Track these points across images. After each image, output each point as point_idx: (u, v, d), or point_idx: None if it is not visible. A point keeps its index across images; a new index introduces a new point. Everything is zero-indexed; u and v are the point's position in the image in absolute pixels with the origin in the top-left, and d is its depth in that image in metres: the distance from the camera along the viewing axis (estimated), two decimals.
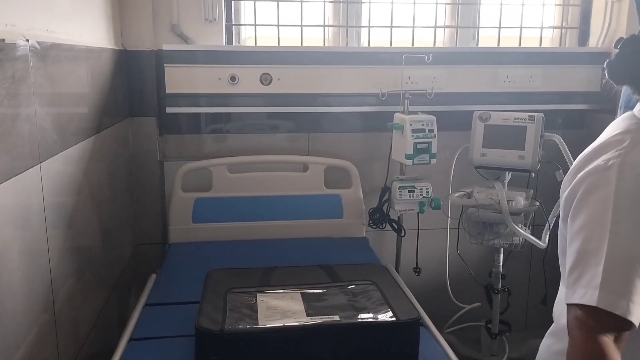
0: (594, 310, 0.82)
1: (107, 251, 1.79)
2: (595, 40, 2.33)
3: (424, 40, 2.34)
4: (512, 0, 2.33)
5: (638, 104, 0.99)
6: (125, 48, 2.04)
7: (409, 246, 2.22)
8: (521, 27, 2.35)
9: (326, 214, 2.15)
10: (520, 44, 2.37)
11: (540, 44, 2.39)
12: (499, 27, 2.34)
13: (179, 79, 2.08)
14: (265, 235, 2.09)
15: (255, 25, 2.24)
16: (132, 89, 2.08)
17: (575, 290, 0.86)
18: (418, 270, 2.21)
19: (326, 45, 2.30)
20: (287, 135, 2.24)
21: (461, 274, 2.28)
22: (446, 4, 2.33)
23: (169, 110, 2.11)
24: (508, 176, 2.07)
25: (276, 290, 1.38)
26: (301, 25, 2.24)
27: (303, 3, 2.22)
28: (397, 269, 2.22)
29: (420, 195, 2.06)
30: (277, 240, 2.06)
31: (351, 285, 1.43)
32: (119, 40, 2.01)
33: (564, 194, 0.98)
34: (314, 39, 2.29)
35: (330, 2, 2.28)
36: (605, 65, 1.00)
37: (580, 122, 2.37)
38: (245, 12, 2.27)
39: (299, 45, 2.25)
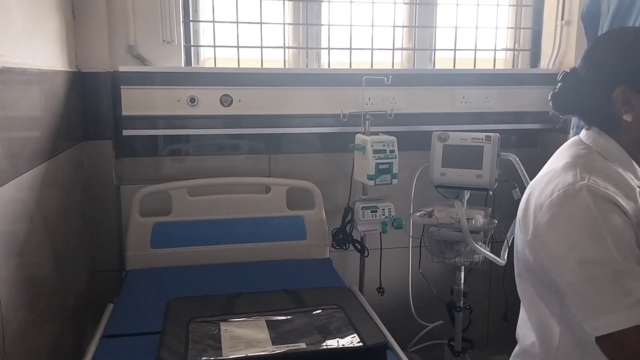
0: (637, 328, 0.84)
1: (61, 280, 1.72)
2: (546, 62, 2.42)
3: (383, 61, 2.37)
4: (466, 23, 2.40)
5: (583, 130, 1.04)
6: (80, 70, 1.98)
7: (372, 266, 2.23)
8: (475, 50, 2.42)
9: (289, 235, 2.13)
10: (475, 66, 2.44)
11: (494, 66, 2.46)
12: (454, 50, 2.41)
13: (136, 101, 2.03)
14: (227, 259, 2.05)
15: (214, 46, 2.23)
16: (87, 112, 2.02)
17: (605, 317, 0.86)
18: (382, 290, 2.21)
19: (286, 66, 2.30)
20: (249, 157, 2.22)
21: (424, 293, 2.30)
22: (403, 26, 2.38)
23: (126, 132, 2.05)
24: (467, 195, 2.12)
25: (240, 319, 1.35)
26: (261, 47, 2.24)
27: (263, 25, 2.23)
28: (361, 289, 2.22)
29: (383, 215, 2.08)
30: (239, 264, 2.02)
31: (317, 310, 1.42)
32: (73, 62, 1.95)
33: (527, 222, 1.00)
34: (275, 60, 2.29)
35: (289, 24, 2.28)
36: (549, 98, 1.05)
37: (534, 140, 2.45)
38: (205, 34, 2.25)
39: (260, 66, 2.25)
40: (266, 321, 1.34)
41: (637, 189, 0.97)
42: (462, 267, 2.14)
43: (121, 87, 2.01)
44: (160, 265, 2.00)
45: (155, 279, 1.91)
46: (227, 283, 1.78)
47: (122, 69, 2.01)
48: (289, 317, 1.37)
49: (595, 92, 1.00)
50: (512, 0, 2.46)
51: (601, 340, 0.87)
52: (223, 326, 1.32)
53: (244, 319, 1.36)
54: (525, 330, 1.06)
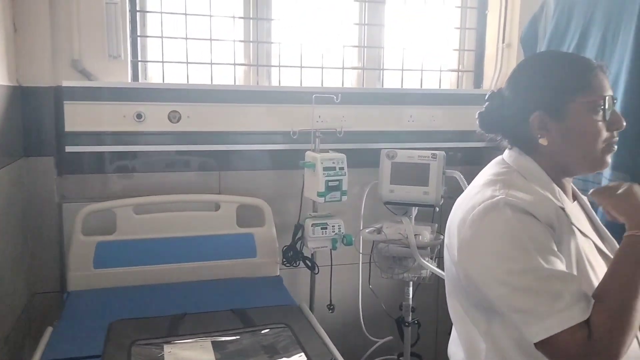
0: (572, 329, 0.87)
1: None
2: (489, 83, 2.52)
3: (335, 81, 2.41)
4: (413, 44, 2.46)
5: (507, 149, 1.08)
6: (20, 84, 1.92)
7: (323, 283, 2.23)
8: (422, 70, 2.50)
9: (239, 253, 2.11)
10: (421, 86, 2.51)
11: (440, 86, 2.54)
12: (402, 70, 2.47)
13: (80, 117, 1.98)
14: (175, 279, 2.00)
15: (162, 62, 2.20)
16: (28, 128, 1.94)
17: (540, 324, 0.89)
18: (332, 307, 2.22)
19: (237, 84, 2.30)
20: (198, 174, 2.20)
21: (373, 309, 2.31)
22: (352, 46, 2.42)
23: (69, 149, 1.99)
24: (414, 211, 2.16)
25: (185, 340, 1.33)
26: (211, 63, 2.23)
27: (213, 41, 2.22)
28: (311, 306, 2.22)
29: (333, 232, 2.09)
30: (187, 284, 1.98)
31: (265, 329, 1.41)
32: (14, 76, 1.88)
33: (452, 240, 1.02)
34: (225, 77, 2.29)
35: (240, 41, 2.29)
36: (476, 116, 1.09)
37: (478, 158, 2.53)
38: (153, 49, 2.22)
39: (209, 83, 2.24)
40: (212, 342, 1.32)
41: (548, 202, 0.99)
42: (411, 283, 2.17)
43: (64, 102, 1.96)
44: (103, 286, 1.94)
45: (99, 301, 1.84)
46: (173, 304, 1.73)
47: (65, 83, 1.95)
48: (236, 337, 1.36)
49: (515, 114, 1.04)
50: (457, 23, 2.55)
51: (540, 346, 0.90)
52: (167, 348, 1.29)
53: (189, 340, 1.34)
54: (455, 348, 1.09)
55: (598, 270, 1.01)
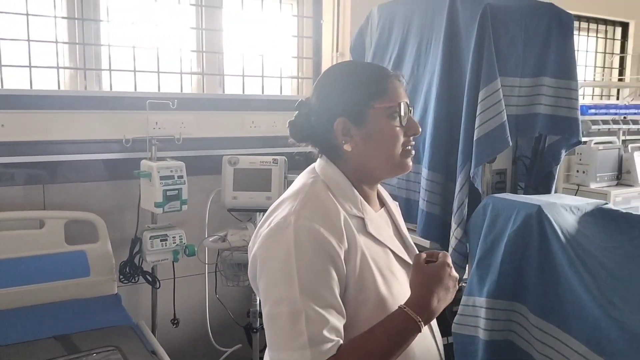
0: None
1: None
2: None
3: (175, 86, 2.32)
4: (252, 51, 2.47)
5: (318, 158, 1.09)
6: None
7: (166, 297, 2.14)
8: (263, 77, 2.52)
9: (69, 273, 1.94)
10: (263, 92, 2.53)
11: (281, 92, 2.58)
12: (243, 76, 2.46)
13: None
14: None
15: None
16: None
17: (278, 354, 0.90)
18: (176, 321, 2.13)
19: (62, 88, 2.11)
20: (19, 188, 1.98)
21: (222, 318, 2.28)
22: (191, 51, 2.36)
23: None
24: (259, 217, 2.16)
25: None
26: (29, 67, 2.02)
27: (31, 42, 2.01)
28: (153, 323, 2.11)
29: (174, 243, 2.02)
30: (5, 312, 1.76)
31: (92, 354, 1.31)
32: None
33: (252, 252, 1.02)
34: (48, 81, 2.09)
35: (64, 43, 2.11)
36: (287, 125, 1.09)
37: None
38: None
39: (28, 88, 2.03)
40: None
41: (344, 217, 0.99)
42: None
43: None
44: None
45: None
46: None
47: None
48: None
49: (321, 121, 1.05)
50: (295, 31, 2.61)
51: None
52: None
53: None
54: (265, 354, 1.09)
55: (392, 280, 1.03)
